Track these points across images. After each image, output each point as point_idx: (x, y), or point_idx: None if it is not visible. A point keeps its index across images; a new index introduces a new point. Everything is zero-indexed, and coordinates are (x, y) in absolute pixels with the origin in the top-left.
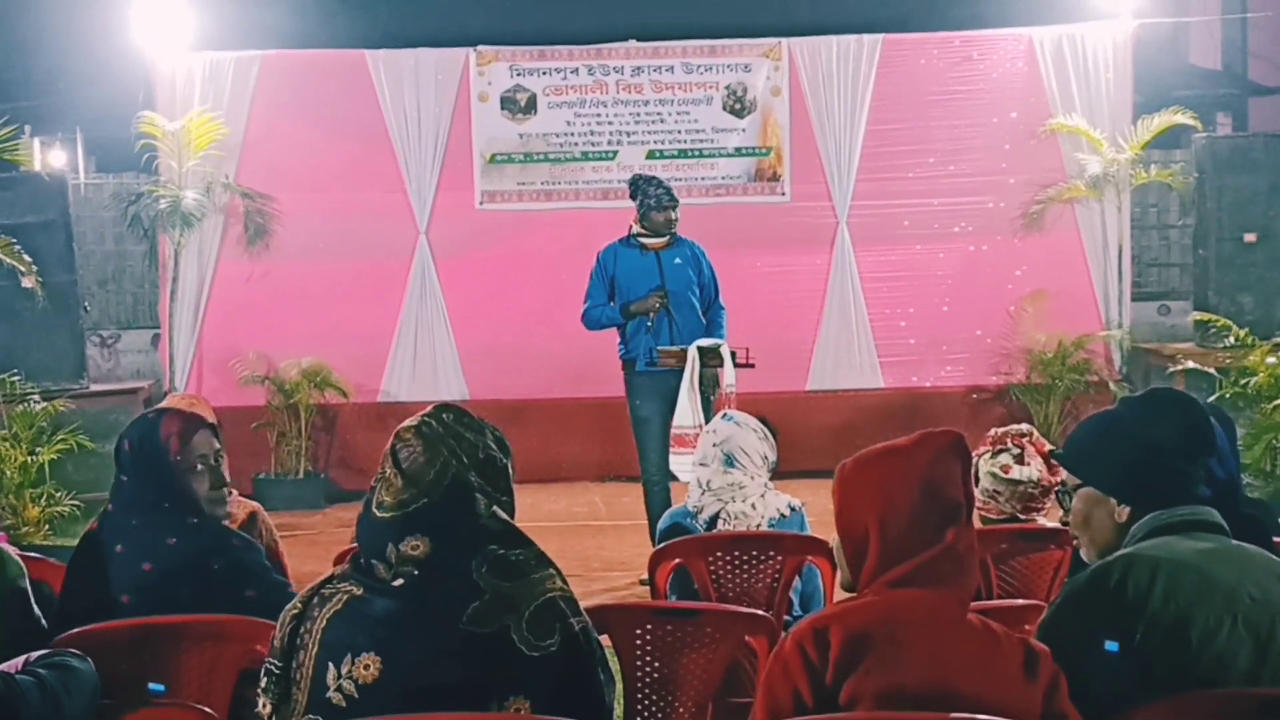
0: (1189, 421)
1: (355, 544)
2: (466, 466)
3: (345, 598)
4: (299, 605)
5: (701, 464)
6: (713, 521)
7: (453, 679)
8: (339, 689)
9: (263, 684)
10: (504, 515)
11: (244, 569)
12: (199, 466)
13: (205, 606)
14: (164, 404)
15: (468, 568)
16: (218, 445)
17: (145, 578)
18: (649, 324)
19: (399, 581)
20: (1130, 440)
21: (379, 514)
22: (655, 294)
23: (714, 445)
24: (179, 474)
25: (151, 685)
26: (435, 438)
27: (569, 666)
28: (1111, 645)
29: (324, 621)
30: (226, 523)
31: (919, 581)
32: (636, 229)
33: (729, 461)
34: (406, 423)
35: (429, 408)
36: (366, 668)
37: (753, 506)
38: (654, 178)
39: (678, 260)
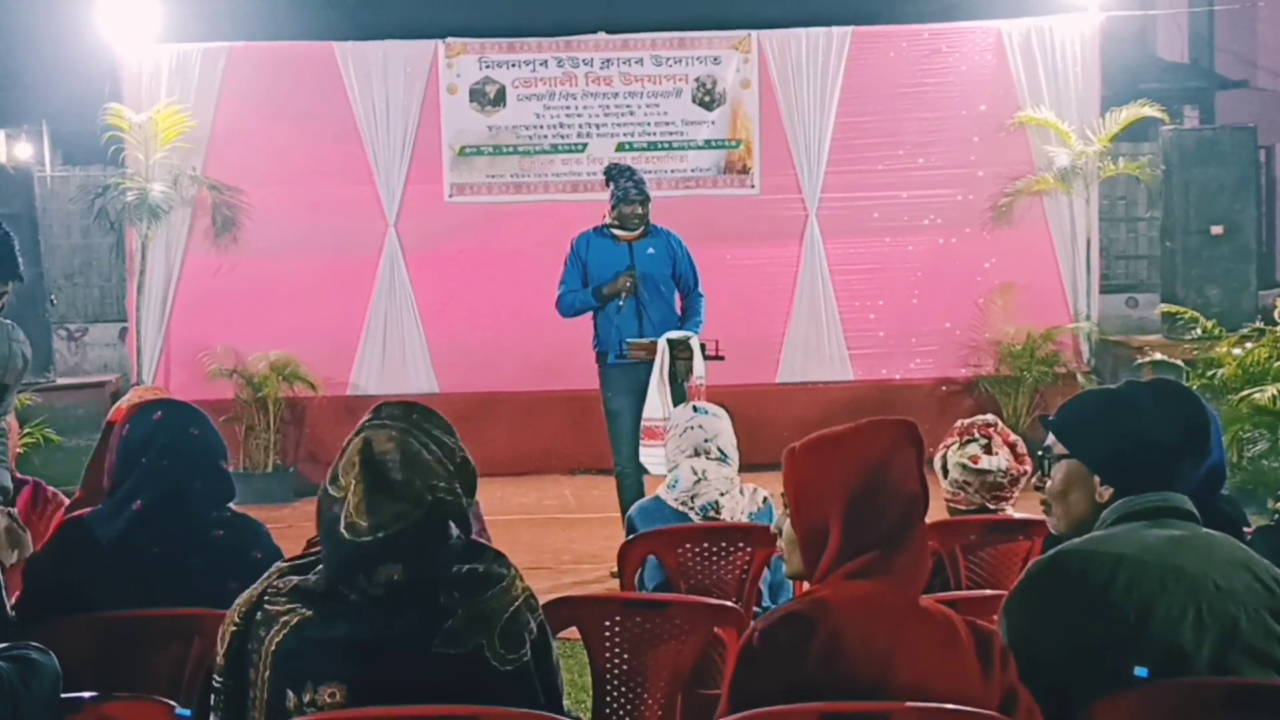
0: (1192, 422)
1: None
2: (452, 475)
3: (295, 620)
4: (238, 621)
5: (694, 454)
6: (707, 510)
7: (425, 700)
8: (301, 713)
9: (213, 699)
10: (462, 529)
11: (275, 558)
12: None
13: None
14: (140, 395)
15: (435, 589)
16: None
17: (186, 574)
18: (620, 305)
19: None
20: (1131, 428)
21: (349, 537)
22: (624, 274)
23: (705, 440)
24: (223, 464)
25: (178, 710)
26: (416, 449)
27: (537, 669)
28: (1141, 671)
29: (273, 645)
30: None
31: (875, 573)
32: (609, 219)
33: (721, 454)
34: (372, 429)
35: (390, 406)
36: (332, 695)
37: (741, 494)
38: (628, 169)
39: (650, 250)
